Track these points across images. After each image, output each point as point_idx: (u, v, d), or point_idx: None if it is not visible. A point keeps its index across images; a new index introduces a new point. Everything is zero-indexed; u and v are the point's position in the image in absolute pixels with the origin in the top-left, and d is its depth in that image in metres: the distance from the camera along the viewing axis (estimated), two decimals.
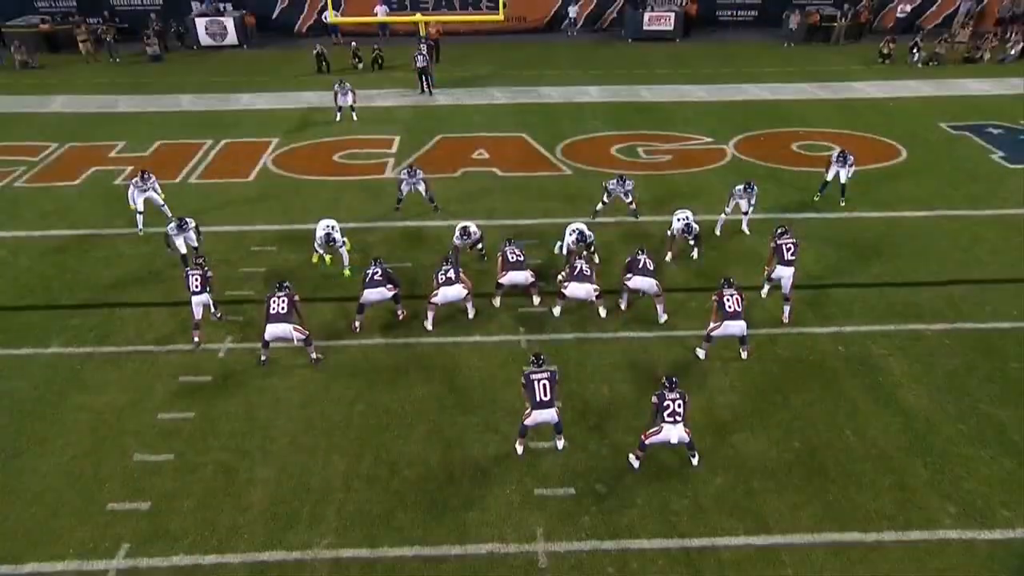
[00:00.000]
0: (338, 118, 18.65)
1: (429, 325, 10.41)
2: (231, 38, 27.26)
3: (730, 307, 9.38)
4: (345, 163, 16.38)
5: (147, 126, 18.76)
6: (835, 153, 14.32)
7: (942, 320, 10.61)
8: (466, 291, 10.32)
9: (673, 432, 7.74)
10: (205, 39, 27.23)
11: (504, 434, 8.59)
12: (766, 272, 10.85)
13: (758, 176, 15.60)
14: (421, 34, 23.73)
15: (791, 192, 14.82)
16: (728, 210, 12.97)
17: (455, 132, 18.21)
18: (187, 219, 11.67)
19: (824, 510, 7.64)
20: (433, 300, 10.22)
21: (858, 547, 7.23)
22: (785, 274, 10.36)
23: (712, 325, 9.61)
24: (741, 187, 12.75)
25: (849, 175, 13.96)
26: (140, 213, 13.16)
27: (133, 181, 13.28)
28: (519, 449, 8.29)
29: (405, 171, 13.66)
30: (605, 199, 13.07)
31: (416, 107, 20.22)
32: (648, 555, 7.16)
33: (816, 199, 14.34)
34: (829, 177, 14.13)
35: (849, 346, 10.11)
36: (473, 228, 11.53)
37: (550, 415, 7.97)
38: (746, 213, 12.97)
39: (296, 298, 9.72)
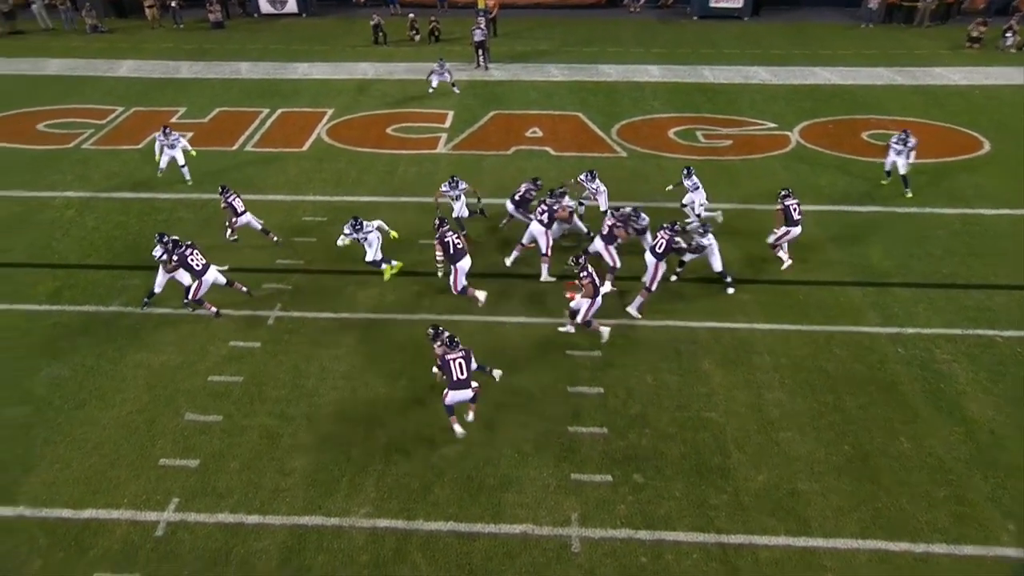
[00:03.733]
0: (431, 92, 18.68)
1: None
2: (291, 6, 27.74)
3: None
4: (399, 136, 16.55)
5: (207, 93, 19.35)
6: (893, 137, 13.68)
7: (1017, 327, 10.12)
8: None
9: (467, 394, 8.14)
10: (266, 7, 27.78)
11: (546, 418, 8.67)
12: (776, 234, 11.44)
13: (823, 165, 15.12)
14: (480, 7, 23.60)
15: (859, 183, 14.27)
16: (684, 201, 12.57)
17: (510, 109, 18.16)
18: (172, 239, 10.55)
19: (872, 517, 7.47)
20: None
21: (906, 556, 7.07)
22: (795, 232, 11.35)
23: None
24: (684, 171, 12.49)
25: (909, 161, 13.34)
26: (162, 170, 14.14)
27: (157, 135, 14.14)
28: (457, 430, 8.26)
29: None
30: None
31: (471, 81, 20.22)
32: (683, 548, 7.16)
33: (884, 183, 13.80)
34: (888, 165, 13.56)
35: (910, 349, 9.76)
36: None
37: (466, 394, 8.15)
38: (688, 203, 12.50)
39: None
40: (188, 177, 14.19)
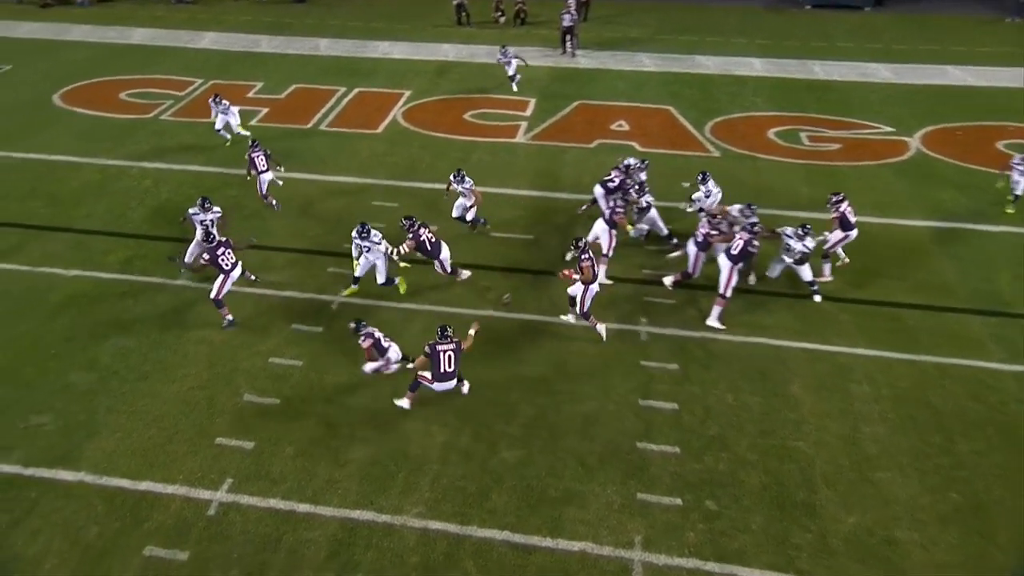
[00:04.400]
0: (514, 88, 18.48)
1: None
2: None
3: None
4: (476, 123, 16.79)
5: (285, 68, 20.18)
6: (1016, 157, 13.01)
7: None
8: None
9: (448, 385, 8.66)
10: None
11: (615, 430, 8.62)
12: (831, 241, 11.19)
13: (946, 177, 14.35)
14: None
15: (987, 198, 13.46)
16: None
17: (595, 99, 18.08)
18: (209, 202, 11.34)
19: None
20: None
21: None
22: (852, 235, 11.15)
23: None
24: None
25: None
26: (218, 131, 15.39)
27: (211, 101, 15.50)
28: (405, 404, 8.86)
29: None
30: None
31: (556, 68, 20.27)
32: None
33: (1010, 211, 12.99)
34: (1015, 188, 12.86)
35: None
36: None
37: (450, 385, 8.66)
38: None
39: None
40: (242, 133, 15.41)
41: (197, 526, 7.58)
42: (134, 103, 17.89)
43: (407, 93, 18.39)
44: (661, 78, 19.52)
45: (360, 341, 9.03)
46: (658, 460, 8.27)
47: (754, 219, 10.65)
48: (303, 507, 7.77)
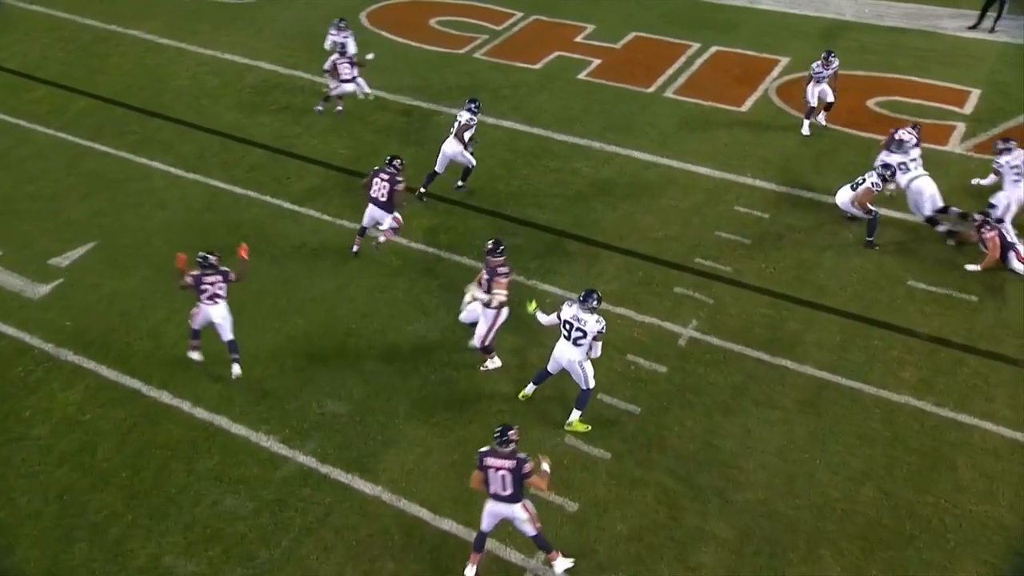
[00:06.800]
0: None
1: None
2: None
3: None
4: (887, 115, 15.46)
5: (622, 10, 20.30)
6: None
7: None
8: None
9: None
10: None
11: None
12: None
13: None
14: None
15: None
16: None
17: None
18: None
19: None
20: None
21: None
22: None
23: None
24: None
25: None
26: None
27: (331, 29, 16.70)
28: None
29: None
30: None
31: (1017, 45, 18.18)
32: None
33: None
34: None
35: None
36: None
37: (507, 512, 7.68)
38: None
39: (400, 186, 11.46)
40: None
41: None
42: (446, 34, 19.12)
43: (784, 60, 17.57)
44: None
45: None
46: None
47: None
48: None
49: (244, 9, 20.49)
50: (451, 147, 12.84)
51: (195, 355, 10.14)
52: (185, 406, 9.62)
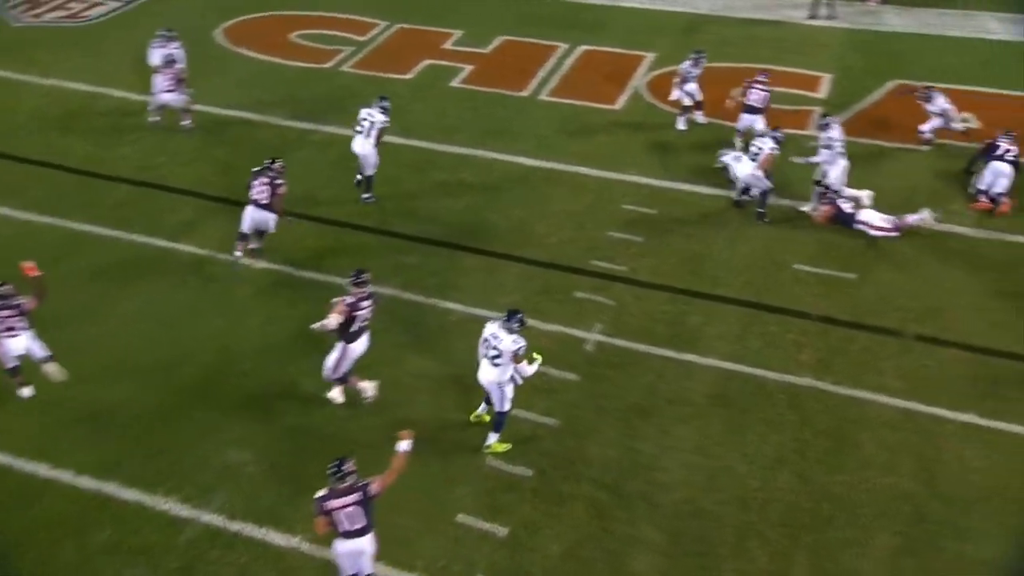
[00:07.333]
0: None
1: None
2: None
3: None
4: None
5: (488, 14, 20.15)
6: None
7: None
8: None
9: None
10: None
11: None
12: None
13: None
14: None
15: None
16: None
17: (918, 78, 16.50)
18: None
19: None
20: None
21: None
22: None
23: None
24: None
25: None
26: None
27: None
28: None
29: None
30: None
31: (857, 31, 19.13)
32: None
33: None
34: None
35: None
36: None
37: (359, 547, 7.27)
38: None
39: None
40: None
41: None
42: (308, 47, 18.47)
43: (650, 57, 17.89)
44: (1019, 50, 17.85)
45: None
46: None
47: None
48: None
49: (84, 34, 19.07)
50: (361, 147, 12.74)
51: (25, 391, 9.52)
52: (66, 476, 8.75)
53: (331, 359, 9.42)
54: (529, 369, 8.72)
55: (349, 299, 9.16)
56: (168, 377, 9.97)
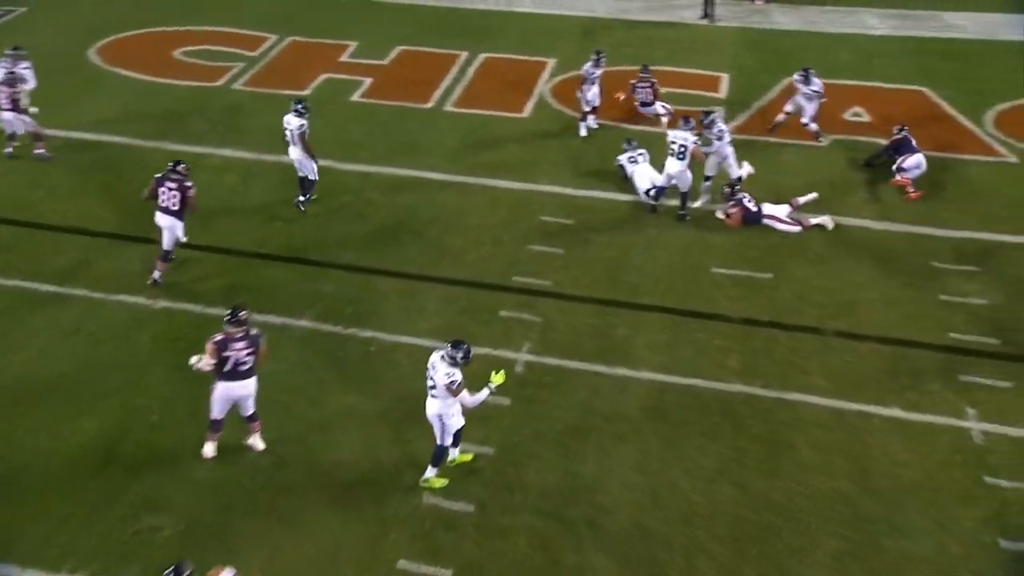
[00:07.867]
0: None
1: None
2: None
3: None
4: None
5: (382, 24, 19.73)
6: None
7: None
8: None
9: None
10: None
11: None
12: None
13: None
14: None
15: None
16: None
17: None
18: None
19: None
20: None
21: None
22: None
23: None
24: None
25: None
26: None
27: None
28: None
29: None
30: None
31: (747, 29, 19.54)
32: None
33: None
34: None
35: None
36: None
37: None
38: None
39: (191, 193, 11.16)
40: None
41: None
42: (194, 65, 17.65)
43: (552, 62, 17.85)
44: (900, 45, 18.76)
45: None
46: None
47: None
48: None
49: None
50: (294, 154, 12.53)
51: None
52: None
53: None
54: (471, 400, 8.32)
55: (218, 337, 8.52)
56: (65, 439, 9.11)
